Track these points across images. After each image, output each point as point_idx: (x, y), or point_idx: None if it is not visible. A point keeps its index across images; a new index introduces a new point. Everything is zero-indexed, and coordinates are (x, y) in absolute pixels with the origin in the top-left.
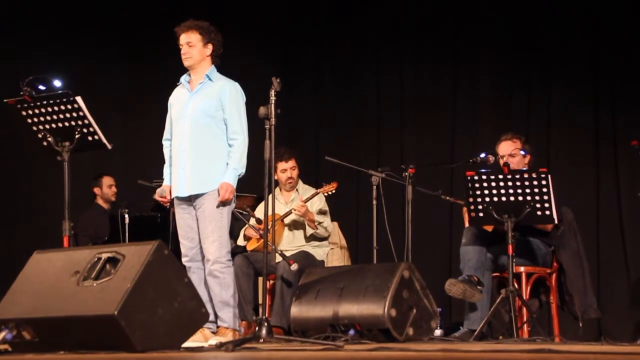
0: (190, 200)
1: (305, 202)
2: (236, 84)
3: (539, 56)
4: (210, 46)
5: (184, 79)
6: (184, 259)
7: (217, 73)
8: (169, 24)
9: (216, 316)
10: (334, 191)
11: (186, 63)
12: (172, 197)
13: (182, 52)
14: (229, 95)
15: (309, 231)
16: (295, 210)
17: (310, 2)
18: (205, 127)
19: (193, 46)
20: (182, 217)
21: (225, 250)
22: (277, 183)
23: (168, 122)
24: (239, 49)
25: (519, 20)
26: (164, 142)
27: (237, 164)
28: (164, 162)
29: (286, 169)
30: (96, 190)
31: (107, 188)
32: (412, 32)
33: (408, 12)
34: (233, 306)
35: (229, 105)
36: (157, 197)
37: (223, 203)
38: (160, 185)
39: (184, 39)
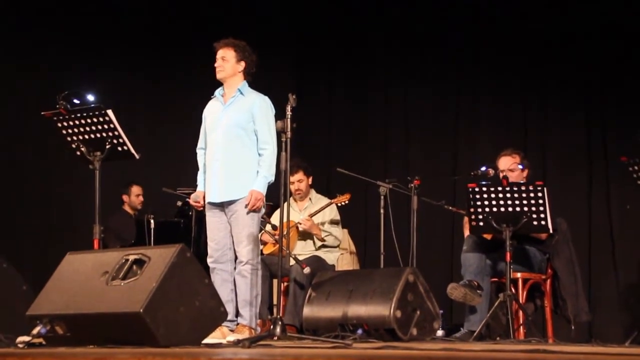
0: (223, 206)
1: (313, 216)
2: (266, 97)
3: (536, 76)
4: (243, 63)
5: (218, 92)
6: (209, 260)
7: (248, 88)
8: (193, 41)
9: (236, 314)
10: (347, 202)
11: (218, 75)
12: (206, 202)
13: (216, 64)
14: (259, 109)
15: (319, 241)
16: (300, 224)
17: (323, 23)
18: (237, 137)
19: (227, 61)
20: (212, 220)
21: (256, 254)
22: (291, 192)
23: (202, 132)
24: (257, 66)
25: (517, 42)
26: (198, 151)
27: (266, 172)
28: (187, 172)
29: (293, 182)
30: (125, 197)
31: (134, 197)
32: (418, 54)
33: (414, 35)
34: (254, 306)
35: (259, 118)
36: (191, 202)
37: (253, 209)
38: (184, 193)
39: (220, 53)
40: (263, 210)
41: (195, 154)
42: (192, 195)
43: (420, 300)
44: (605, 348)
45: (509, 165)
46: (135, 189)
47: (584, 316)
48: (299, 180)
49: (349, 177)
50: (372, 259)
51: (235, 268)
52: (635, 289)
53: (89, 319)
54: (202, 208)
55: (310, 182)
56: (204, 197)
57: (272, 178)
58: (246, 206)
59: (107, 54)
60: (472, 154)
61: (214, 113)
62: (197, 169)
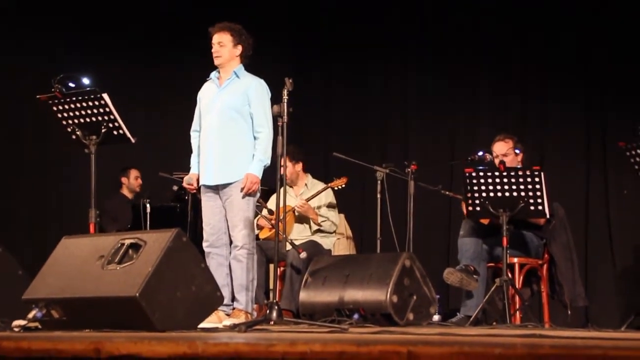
0: (217, 189)
1: (309, 201)
2: (262, 80)
3: (535, 61)
4: (240, 47)
5: (213, 74)
6: (204, 244)
7: (244, 71)
8: (190, 24)
9: (232, 299)
10: (343, 185)
11: (216, 61)
12: (199, 185)
13: (213, 50)
14: (254, 91)
15: (315, 225)
16: (297, 208)
17: (322, 5)
18: (232, 120)
19: (224, 46)
20: (207, 204)
21: (251, 238)
22: None
23: (197, 114)
24: (253, 50)
25: (516, 27)
26: (192, 133)
27: (262, 155)
28: (183, 156)
29: None
30: (123, 180)
31: (133, 179)
32: (416, 37)
33: (413, 21)
34: (250, 290)
35: (254, 101)
36: (185, 184)
37: (249, 193)
38: (180, 178)
39: (216, 38)
40: (258, 195)
41: (190, 136)
42: (186, 178)
43: (417, 285)
44: (602, 333)
45: (504, 150)
46: (134, 172)
47: (580, 301)
48: (281, 166)
49: (346, 162)
50: (369, 244)
51: (230, 252)
52: (631, 274)
53: (84, 303)
54: (195, 190)
55: (299, 169)
56: (197, 180)
57: (268, 161)
58: (242, 190)
59: (104, 39)
60: (470, 139)
61: (208, 95)
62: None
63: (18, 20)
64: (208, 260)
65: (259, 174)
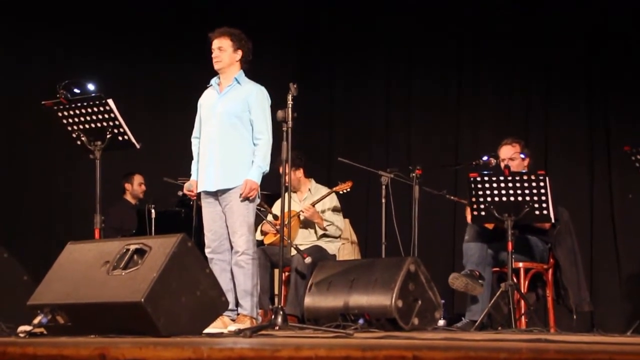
0: (217, 195)
1: (314, 205)
2: (262, 87)
3: (538, 65)
4: (240, 52)
5: (214, 81)
6: (206, 250)
7: (244, 77)
8: (193, 29)
9: (237, 304)
10: (348, 190)
11: (216, 66)
12: (199, 191)
13: (213, 55)
14: (255, 98)
15: (320, 230)
16: (303, 212)
17: (324, 10)
18: (232, 127)
19: (224, 51)
20: (208, 210)
21: (252, 243)
22: None
23: (197, 121)
24: (256, 55)
25: (520, 30)
26: (192, 140)
27: (261, 162)
28: (188, 161)
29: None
30: (127, 186)
31: (137, 185)
32: (420, 43)
33: (416, 23)
34: (254, 295)
35: (255, 107)
36: (185, 190)
37: (247, 199)
38: (184, 183)
39: (216, 43)
40: (258, 200)
41: (191, 143)
42: (186, 184)
43: (422, 290)
44: (607, 337)
45: (510, 154)
46: (138, 178)
47: (585, 306)
48: (286, 174)
49: (351, 167)
50: (374, 248)
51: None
52: (636, 278)
53: (90, 309)
54: (195, 197)
55: (300, 175)
56: (197, 186)
57: (266, 168)
58: (240, 195)
59: (108, 44)
60: (474, 143)
61: (209, 102)
62: None
63: (19, 21)
64: (211, 265)
65: (257, 180)
